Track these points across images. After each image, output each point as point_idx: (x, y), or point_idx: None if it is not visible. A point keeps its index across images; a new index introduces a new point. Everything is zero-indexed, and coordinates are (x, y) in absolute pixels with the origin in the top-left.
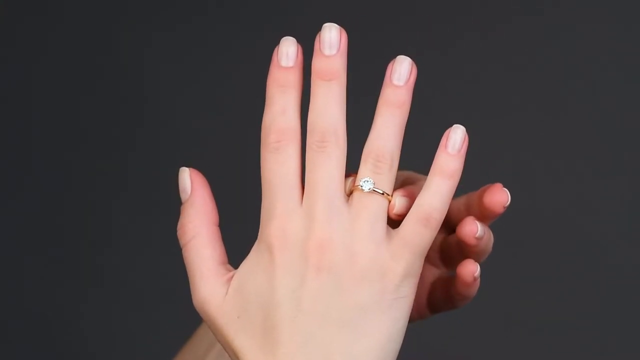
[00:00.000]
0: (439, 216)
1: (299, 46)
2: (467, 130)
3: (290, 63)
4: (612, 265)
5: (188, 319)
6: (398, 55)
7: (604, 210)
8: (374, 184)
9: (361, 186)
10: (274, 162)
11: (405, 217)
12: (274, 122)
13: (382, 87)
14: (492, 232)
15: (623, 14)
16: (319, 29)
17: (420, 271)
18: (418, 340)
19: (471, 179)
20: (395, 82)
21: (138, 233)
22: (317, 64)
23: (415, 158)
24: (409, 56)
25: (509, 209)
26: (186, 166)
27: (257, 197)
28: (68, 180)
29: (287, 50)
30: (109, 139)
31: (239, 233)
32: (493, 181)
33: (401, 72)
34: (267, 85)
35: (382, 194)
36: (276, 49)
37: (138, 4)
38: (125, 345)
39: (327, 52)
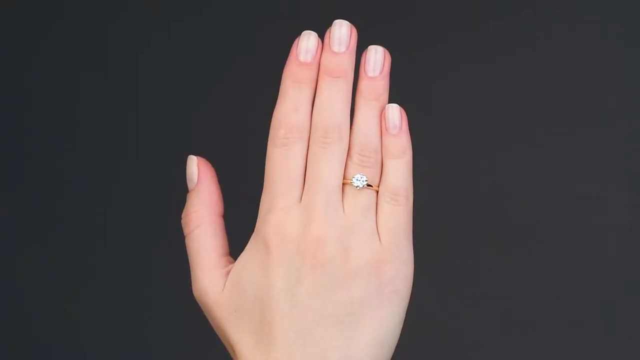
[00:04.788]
0: (404, 192)
1: (319, 42)
2: (464, 130)
3: (309, 59)
4: (613, 264)
5: (184, 318)
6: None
7: (604, 208)
8: (366, 180)
9: (353, 183)
10: (280, 157)
11: (377, 205)
12: (285, 117)
13: (358, 79)
14: (493, 230)
15: (620, 12)
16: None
17: (411, 260)
18: (418, 338)
19: (471, 179)
20: (369, 73)
21: (132, 232)
22: (325, 60)
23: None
24: (409, 55)
25: (507, 208)
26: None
27: (250, 193)
28: (62, 179)
29: (307, 45)
30: (102, 139)
31: (239, 226)
32: (491, 182)
33: (375, 62)
34: (283, 77)
35: (371, 186)
36: (296, 41)
37: (133, 3)
38: (119, 345)
39: (336, 49)
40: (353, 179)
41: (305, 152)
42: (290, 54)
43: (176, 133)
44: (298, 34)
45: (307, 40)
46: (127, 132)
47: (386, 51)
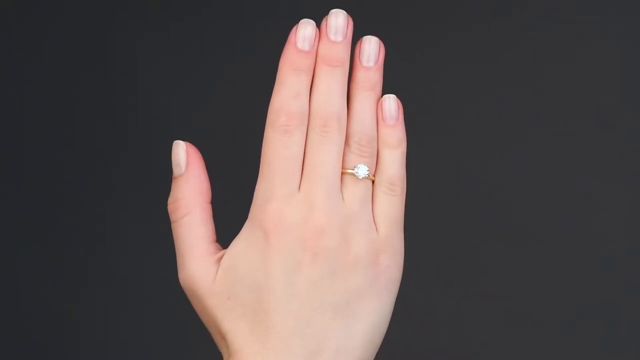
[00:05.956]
0: (399, 182)
1: (317, 30)
2: (464, 130)
3: (308, 47)
4: (613, 263)
5: (184, 318)
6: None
7: (604, 207)
8: (367, 170)
9: (356, 173)
10: (279, 144)
11: (373, 195)
12: (285, 104)
13: (353, 69)
14: (493, 229)
15: (620, 11)
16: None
17: (403, 250)
18: (418, 337)
19: (471, 178)
20: (365, 63)
21: (133, 232)
22: (323, 49)
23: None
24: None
25: (507, 208)
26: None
27: (248, 191)
28: (63, 179)
29: (306, 33)
30: (102, 139)
31: (230, 219)
32: (491, 181)
33: (370, 52)
34: (281, 64)
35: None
36: (294, 28)
37: (133, 3)
38: (119, 345)
39: (333, 37)
40: (355, 169)
41: (304, 140)
42: (289, 41)
43: (176, 133)
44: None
45: (306, 29)
46: (127, 132)
47: (381, 42)
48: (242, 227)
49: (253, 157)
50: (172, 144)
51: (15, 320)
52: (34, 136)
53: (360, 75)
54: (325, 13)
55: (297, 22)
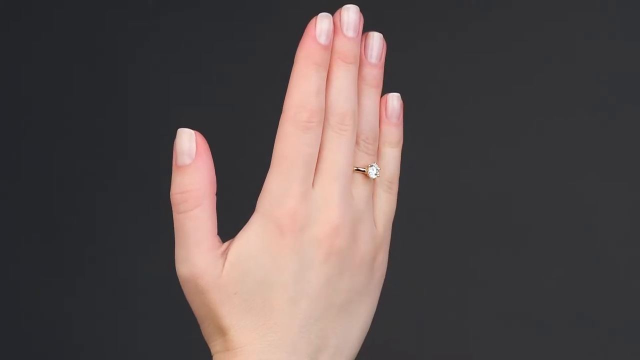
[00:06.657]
0: (396, 180)
1: (332, 26)
2: (465, 130)
3: (328, 42)
4: (613, 263)
5: (184, 318)
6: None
7: (604, 207)
8: (378, 170)
9: (369, 173)
10: (300, 141)
11: (373, 192)
12: (308, 100)
13: (360, 65)
14: (493, 230)
15: (618, 6)
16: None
17: (388, 245)
18: (419, 337)
19: (471, 179)
20: (369, 59)
21: (131, 232)
22: (339, 45)
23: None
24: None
25: (507, 208)
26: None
27: (243, 192)
28: (62, 179)
29: (324, 27)
30: (99, 139)
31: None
32: (489, 180)
33: (376, 49)
34: (300, 57)
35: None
36: (313, 21)
37: (131, 2)
38: (118, 345)
39: (348, 33)
40: (369, 170)
41: (320, 137)
42: (308, 34)
43: (173, 132)
44: (295, 33)
45: (325, 23)
46: (127, 131)
47: (383, 39)
48: (230, 219)
49: (252, 157)
50: (170, 143)
51: (15, 320)
52: (34, 136)
53: (367, 71)
54: (322, 12)
55: (296, 22)
